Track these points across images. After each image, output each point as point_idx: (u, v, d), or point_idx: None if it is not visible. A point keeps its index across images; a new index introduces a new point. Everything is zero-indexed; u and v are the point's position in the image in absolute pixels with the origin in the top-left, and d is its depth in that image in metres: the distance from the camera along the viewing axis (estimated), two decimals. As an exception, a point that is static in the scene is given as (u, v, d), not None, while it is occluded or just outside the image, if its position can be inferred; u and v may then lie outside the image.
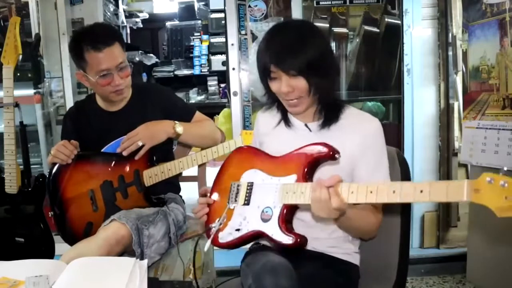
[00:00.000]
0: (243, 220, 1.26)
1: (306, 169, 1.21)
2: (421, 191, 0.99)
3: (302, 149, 1.25)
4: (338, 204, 1.08)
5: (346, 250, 1.36)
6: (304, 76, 1.22)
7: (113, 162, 1.72)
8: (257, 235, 1.23)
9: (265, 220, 1.21)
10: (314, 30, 1.29)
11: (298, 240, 1.15)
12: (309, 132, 1.33)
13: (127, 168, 1.70)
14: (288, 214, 1.20)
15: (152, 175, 1.70)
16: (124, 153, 1.68)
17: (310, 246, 1.31)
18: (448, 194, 0.96)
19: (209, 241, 1.28)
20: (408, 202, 1.06)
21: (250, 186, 1.30)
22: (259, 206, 1.25)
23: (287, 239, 1.15)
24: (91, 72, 1.67)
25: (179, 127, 1.72)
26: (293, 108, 1.31)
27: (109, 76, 1.67)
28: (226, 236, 1.26)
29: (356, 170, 1.29)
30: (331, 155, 1.19)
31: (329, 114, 1.31)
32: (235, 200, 1.30)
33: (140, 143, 1.67)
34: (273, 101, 1.39)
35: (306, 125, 1.35)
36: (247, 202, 1.28)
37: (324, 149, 1.20)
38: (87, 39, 1.66)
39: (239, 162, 1.38)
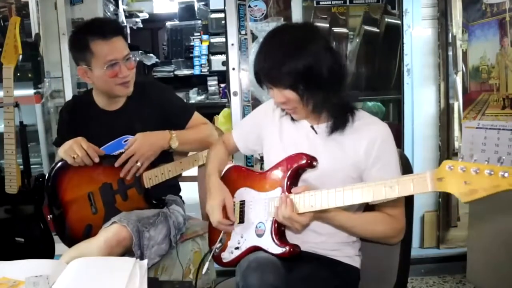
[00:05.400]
0: (241, 238, 1.32)
1: (288, 181, 1.26)
2: (391, 187, 1.05)
3: (283, 162, 1.29)
4: (288, 213, 1.15)
5: (347, 253, 1.36)
6: (293, 90, 1.20)
7: (113, 165, 1.68)
8: (254, 249, 1.27)
9: (259, 235, 1.27)
10: (308, 36, 1.21)
11: (292, 249, 1.21)
12: (315, 135, 1.32)
13: (127, 170, 1.69)
14: (280, 226, 1.25)
15: (152, 177, 1.70)
16: (128, 178, 1.67)
17: (310, 248, 1.32)
18: (414, 187, 1.02)
19: (206, 266, 1.39)
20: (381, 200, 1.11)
21: (242, 204, 1.36)
22: (253, 223, 1.30)
23: (280, 250, 1.21)
24: (98, 63, 1.63)
25: (175, 142, 1.69)
26: (293, 115, 1.32)
27: (117, 66, 1.63)
28: (228, 255, 1.33)
29: (364, 177, 1.28)
30: (309, 163, 1.24)
31: (338, 120, 1.28)
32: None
33: (139, 164, 1.66)
34: None
35: (312, 127, 1.33)
36: (241, 220, 1.34)
37: (302, 160, 1.24)
38: (94, 30, 1.63)
39: (230, 182, 1.42)
